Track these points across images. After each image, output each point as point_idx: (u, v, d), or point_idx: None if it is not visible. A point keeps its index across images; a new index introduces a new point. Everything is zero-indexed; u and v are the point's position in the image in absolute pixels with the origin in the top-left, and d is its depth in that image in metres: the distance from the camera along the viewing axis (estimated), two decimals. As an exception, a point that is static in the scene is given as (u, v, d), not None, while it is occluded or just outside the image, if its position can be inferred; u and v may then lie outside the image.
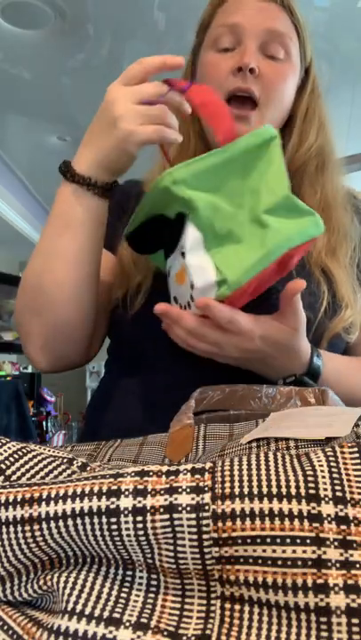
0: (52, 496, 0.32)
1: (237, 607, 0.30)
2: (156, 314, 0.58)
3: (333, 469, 0.31)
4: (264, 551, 0.29)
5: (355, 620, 0.27)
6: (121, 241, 0.75)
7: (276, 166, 0.58)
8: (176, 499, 0.30)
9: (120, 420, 0.69)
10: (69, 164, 0.62)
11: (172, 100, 0.60)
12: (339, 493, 0.30)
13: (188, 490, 0.31)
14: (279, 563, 0.28)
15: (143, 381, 0.70)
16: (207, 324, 0.56)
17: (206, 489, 0.31)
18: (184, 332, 0.58)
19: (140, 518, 0.30)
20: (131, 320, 0.70)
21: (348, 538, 0.28)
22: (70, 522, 0.31)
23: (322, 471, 0.31)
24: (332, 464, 0.32)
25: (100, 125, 0.60)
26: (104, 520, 0.31)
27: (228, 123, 0.57)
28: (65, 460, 0.40)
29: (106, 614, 0.30)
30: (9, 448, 0.39)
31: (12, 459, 0.38)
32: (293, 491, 0.30)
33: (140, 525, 0.30)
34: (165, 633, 0.29)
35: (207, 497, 0.30)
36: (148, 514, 0.30)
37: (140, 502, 0.31)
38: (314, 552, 0.28)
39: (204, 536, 0.30)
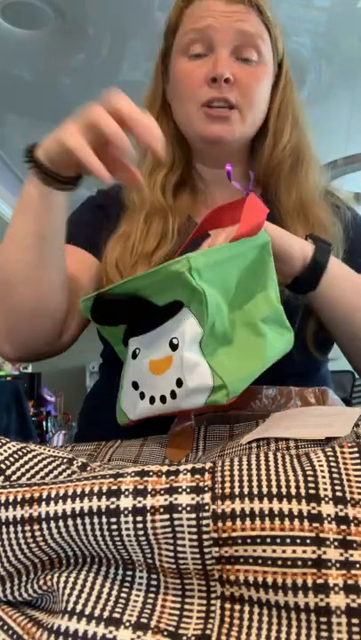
0: (52, 496, 0.32)
1: (237, 607, 0.30)
2: None
3: (333, 469, 0.31)
4: (264, 551, 0.29)
5: (355, 620, 0.27)
6: (105, 249, 0.74)
7: (271, 273, 0.55)
8: (176, 499, 0.30)
9: (112, 423, 0.69)
10: (33, 148, 0.59)
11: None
12: (339, 493, 0.30)
13: (188, 490, 0.31)
14: (279, 563, 0.28)
15: None
16: None
17: (206, 489, 0.31)
18: None
19: (140, 518, 0.30)
20: None
21: (349, 538, 0.28)
22: (70, 522, 0.31)
23: (322, 471, 0.31)
24: (332, 464, 0.32)
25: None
26: (104, 520, 0.31)
27: (260, 217, 0.54)
28: (65, 460, 0.40)
29: (106, 614, 0.30)
30: (9, 448, 0.39)
31: (12, 459, 0.39)
32: (293, 491, 0.30)
33: (140, 525, 0.30)
34: (165, 633, 0.29)
35: (207, 497, 0.30)
36: (148, 514, 0.30)
37: (140, 502, 0.31)
38: (314, 552, 0.28)
39: (204, 536, 0.30)
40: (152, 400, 0.53)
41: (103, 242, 0.74)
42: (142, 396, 0.54)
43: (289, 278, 0.61)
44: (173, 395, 0.50)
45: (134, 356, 0.56)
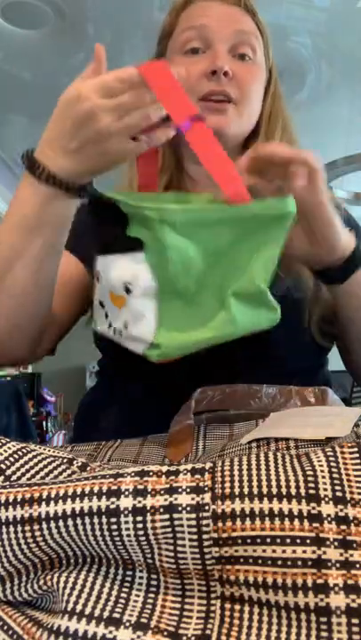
0: (52, 496, 0.32)
1: (237, 607, 0.30)
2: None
3: (333, 469, 0.31)
4: (264, 551, 0.29)
5: (355, 620, 0.27)
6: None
7: (270, 251, 0.51)
8: (176, 499, 0.30)
9: (108, 428, 0.69)
10: (39, 164, 0.56)
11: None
12: (339, 493, 0.30)
13: (188, 490, 0.31)
14: (279, 563, 0.28)
15: (128, 389, 0.70)
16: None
17: (206, 489, 0.31)
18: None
19: (140, 518, 0.30)
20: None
21: (349, 538, 0.28)
22: (70, 522, 0.31)
23: (322, 471, 0.31)
24: (332, 464, 0.32)
25: (72, 125, 0.56)
26: (104, 520, 0.31)
27: (238, 182, 0.49)
28: (65, 460, 0.40)
29: (106, 614, 0.30)
30: (9, 448, 0.39)
31: (12, 459, 0.38)
32: (293, 491, 0.30)
33: (140, 525, 0.30)
34: (165, 633, 0.29)
35: (207, 497, 0.30)
36: (148, 514, 0.30)
37: (140, 502, 0.31)
38: (314, 552, 0.28)
39: (204, 536, 0.30)
40: (110, 325, 0.54)
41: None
42: (106, 316, 0.54)
43: (320, 265, 0.60)
44: (121, 333, 0.52)
45: (100, 275, 0.54)
